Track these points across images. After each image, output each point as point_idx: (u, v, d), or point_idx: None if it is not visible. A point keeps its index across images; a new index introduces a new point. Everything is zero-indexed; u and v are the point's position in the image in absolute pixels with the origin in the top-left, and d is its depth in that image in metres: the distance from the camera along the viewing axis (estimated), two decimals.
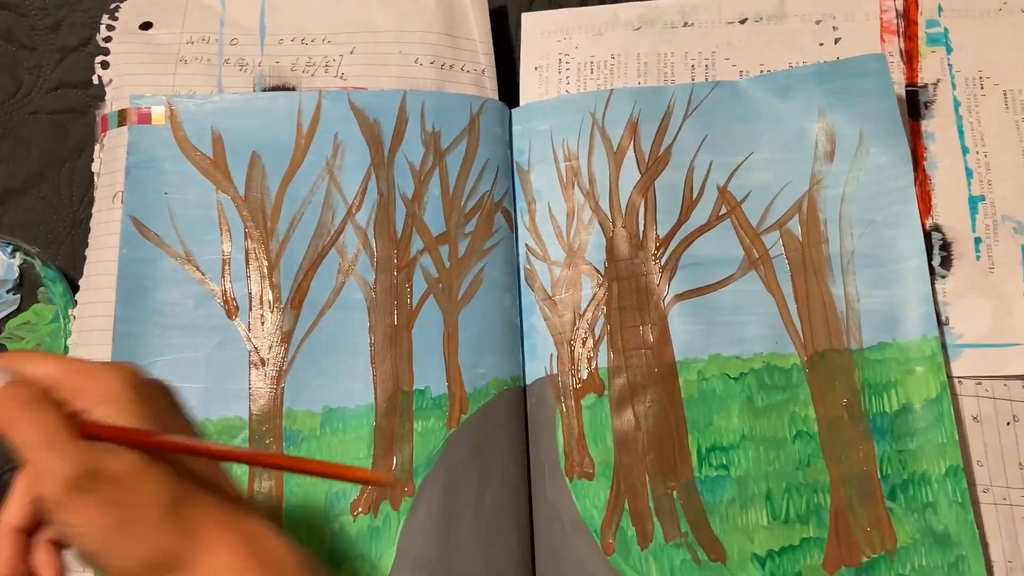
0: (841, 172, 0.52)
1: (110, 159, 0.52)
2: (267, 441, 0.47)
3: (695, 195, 0.53)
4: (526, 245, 0.53)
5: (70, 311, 0.50)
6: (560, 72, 0.57)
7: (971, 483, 0.46)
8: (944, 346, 0.48)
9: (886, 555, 0.46)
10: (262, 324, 0.49)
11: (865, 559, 0.46)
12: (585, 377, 0.50)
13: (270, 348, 0.49)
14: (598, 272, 0.52)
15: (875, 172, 0.52)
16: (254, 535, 0.33)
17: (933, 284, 0.50)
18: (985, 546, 0.45)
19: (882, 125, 0.52)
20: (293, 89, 0.55)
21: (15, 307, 0.52)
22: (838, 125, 0.53)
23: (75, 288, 0.51)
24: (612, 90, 0.54)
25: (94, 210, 0.52)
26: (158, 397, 0.34)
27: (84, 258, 0.51)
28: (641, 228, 0.52)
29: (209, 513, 0.32)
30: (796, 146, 0.53)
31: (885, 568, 0.46)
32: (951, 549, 0.45)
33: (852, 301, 0.50)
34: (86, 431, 0.31)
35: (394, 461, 0.47)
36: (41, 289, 0.52)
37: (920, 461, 0.47)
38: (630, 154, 0.54)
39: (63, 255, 0.54)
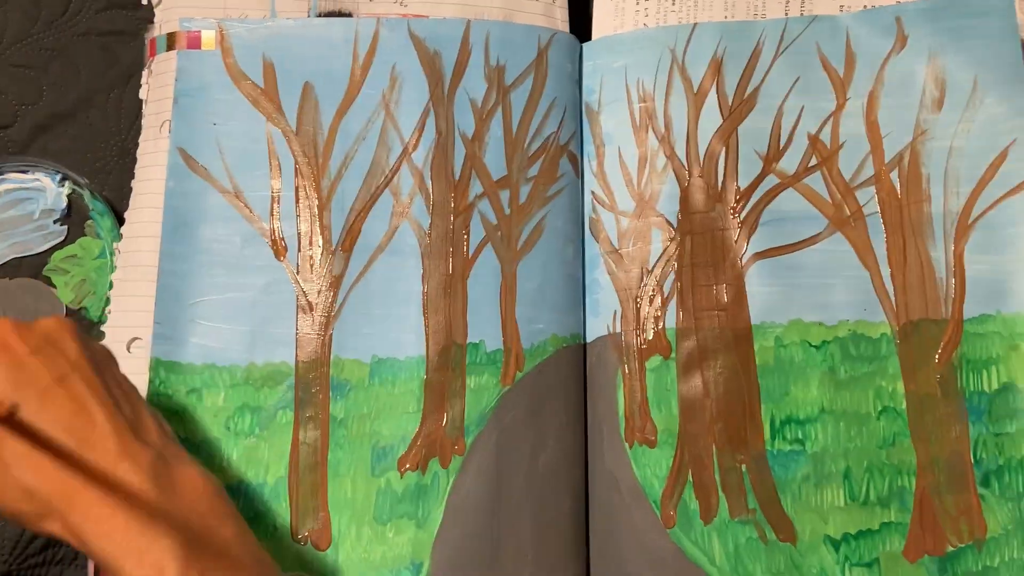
0: (950, 123, 0.47)
1: (158, 86, 0.49)
2: (313, 390, 0.45)
3: (782, 143, 0.48)
4: (592, 192, 0.49)
5: (116, 246, 0.48)
6: (638, 3, 0.52)
7: None
8: None
9: (974, 545, 0.42)
10: (311, 267, 0.47)
11: (950, 548, 0.42)
12: (651, 337, 0.46)
13: (319, 292, 0.46)
14: (670, 225, 0.48)
15: (989, 125, 0.46)
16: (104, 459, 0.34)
17: None
18: None
19: (1001, 72, 0.46)
20: (350, 15, 0.51)
21: (62, 238, 0.51)
22: (950, 70, 0.47)
23: (122, 222, 0.49)
24: (695, 24, 0.49)
25: (141, 139, 0.49)
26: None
27: (131, 189, 0.49)
28: (720, 178, 0.48)
29: (60, 451, 0.33)
30: (900, 92, 0.48)
31: (972, 559, 0.42)
32: None
33: (953, 267, 0.45)
34: None
35: (444, 418, 0.45)
36: (89, 222, 0.51)
37: (1020, 446, 0.43)
38: (712, 96, 0.49)
39: (110, 185, 0.52)
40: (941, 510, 0.43)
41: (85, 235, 0.51)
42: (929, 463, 0.43)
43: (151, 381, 0.44)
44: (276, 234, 0.47)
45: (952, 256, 0.45)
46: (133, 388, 0.39)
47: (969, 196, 0.46)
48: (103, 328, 0.46)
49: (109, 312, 0.47)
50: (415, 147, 0.48)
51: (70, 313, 0.50)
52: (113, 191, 0.52)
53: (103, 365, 0.38)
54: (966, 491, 0.43)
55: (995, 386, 0.44)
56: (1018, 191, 0.45)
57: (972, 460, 0.43)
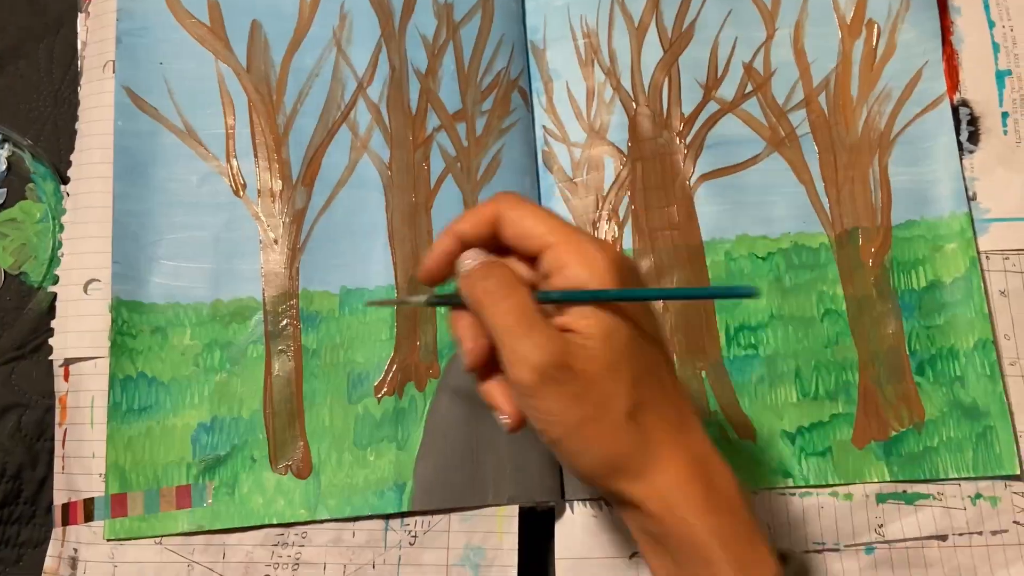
0: (870, 48, 0.51)
1: (97, 27, 0.48)
2: (283, 323, 0.45)
3: (720, 72, 0.51)
4: (543, 127, 0.51)
5: (63, 188, 0.46)
6: None
7: (998, 356, 0.46)
8: (972, 221, 0.48)
9: (914, 428, 0.46)
10: (272, 202, 0.46)
11: (894, 433, 0.46)
12: None
13: (282, 227, 0.46)
14: (621, 152, 0.50)
15: (904, 48, 0.50)
16: (702, 456, 0.31)
17: (961, 160, 0.49)
18: (1012, 416, 0.46)
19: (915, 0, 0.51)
20: None
21: (1, 201, 0.48)
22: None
23: (64, 180, 0.47)
24: None
25: (83, 81, 0.48)
26: (635, 283, 0.32)
27: (70, 137, 0.47)
28: (665, 107, 0.50)
29: (664, 426, 0.31)
30: (823, 21, 0.51)
31: (914, 441, 0.46)
32: (979, 420, 0.45)
33: (880, 179, 0.49)
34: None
35: (418, 343, 0.45)
36: (30, 185, 0.48)
37: (948, 336, 0.47)
38: (652, 30, 0.51)
39: (45, 135, 0.50)
40: (883, 399, 0.46)
41: (26, 198, 0.49)
42: (869, 358, 0.47)
43: (113, 321, 0.43)
44: (233, 170, 0.46)
45: (878, 169, 0.49)
46: None
47: (889, 114, 0.50)
48: (56, 272, 0.45)
49: (58, 272, 0.45)
50: (370, 82, 0.48)
51: (9, 278, 0.47)
52: (48, 140, 0.50)
53: None
54: (904, 380, 0.46)
55: (923, 284, 0.48)
56: (932, 107, 0.50)
57: (908, 352, 0.47)
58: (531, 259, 0.33)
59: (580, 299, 0.31)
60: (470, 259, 0.33)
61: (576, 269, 0.30)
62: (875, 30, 0.51)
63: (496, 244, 0.33)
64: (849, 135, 0.50)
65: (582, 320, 0.30)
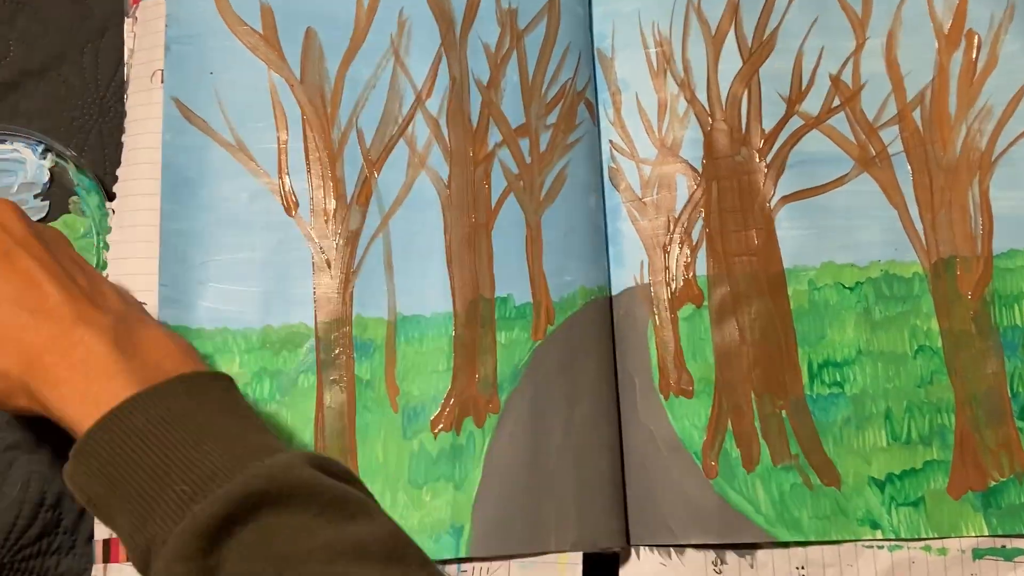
0: (969, 60, 0.47)
1: (145, 33, 0.46)
2: (336, 351, 0.42)
3: (804, 85, 0.47)
4: (611, 141, 0.47)
5: (108, 205, 0.44)
6: None
7: None
8: None
9: (1015, 478, 0.42)
10: (326, 222, 0.44)
11: (993, 483, 0.42)
12: (682, 286, 0.45)
13: (335, 249, 0.43)
14: (695, 171, 0.46)
15: (1007, 61, 0.46)
16: (57, 326, 0.34)
17: None
18: None
19: (1018, 7, 0.46)
20: None
21: (43, 215, 0.46)
22: (968, 7, 0.47)
23: (110, 196, 0.45)
24: None
25: (130, 91, 0.45)
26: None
27: (116, 148, 0.45)
28: (744, 122, 0.47)
29: (10, 326, 0.33)
30: (919, 30, 0.47)
31: (1015, 492, 0.42)
32: None
33: (980, 204, 0.45)
34: None
35: (477, 375, 0.42)
36: (74, 198, 0.46)
37: None
38: (731, 38, 0.48)
39: (90, 145, 0.48)
40: (982, 445, 0.42)
41: (69, 212, 0.46)
42: (967, 399, 0.43)
43: None
44: (285, 188, 0.44)
45: (978, 193, 0.45)
46: (89, 264, 0.38)
47: (991, 133, 0.46)
48: None
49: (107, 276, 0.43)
50: (429, 94, 0.46)
51: None
52: (93, 151, 0.48)
53: (54, 244, 0.37)
54: (1005, 425, 0.43)
55: None
56: None
57: (1010, 394, 0.43)
58: None
59: None
60: None
61: None
62: (975, 41, 0.47)
63: None
64: (946, 155, 0.46)
65: None
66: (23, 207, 0.46)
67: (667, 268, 0.45)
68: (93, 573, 0.41)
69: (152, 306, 0.42)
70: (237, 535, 0.28)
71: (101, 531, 0.41)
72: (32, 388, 0.33)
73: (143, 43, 0.45)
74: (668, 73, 0.48)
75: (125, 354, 0.33)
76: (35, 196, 0.46)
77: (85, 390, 0.32)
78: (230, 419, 0.32)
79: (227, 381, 0.34)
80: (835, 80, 0.47)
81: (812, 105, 0.47)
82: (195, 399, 0.32)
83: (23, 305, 0.34)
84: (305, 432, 0.41)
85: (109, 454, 0.30)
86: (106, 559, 0.40)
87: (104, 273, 0.43)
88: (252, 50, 0.45)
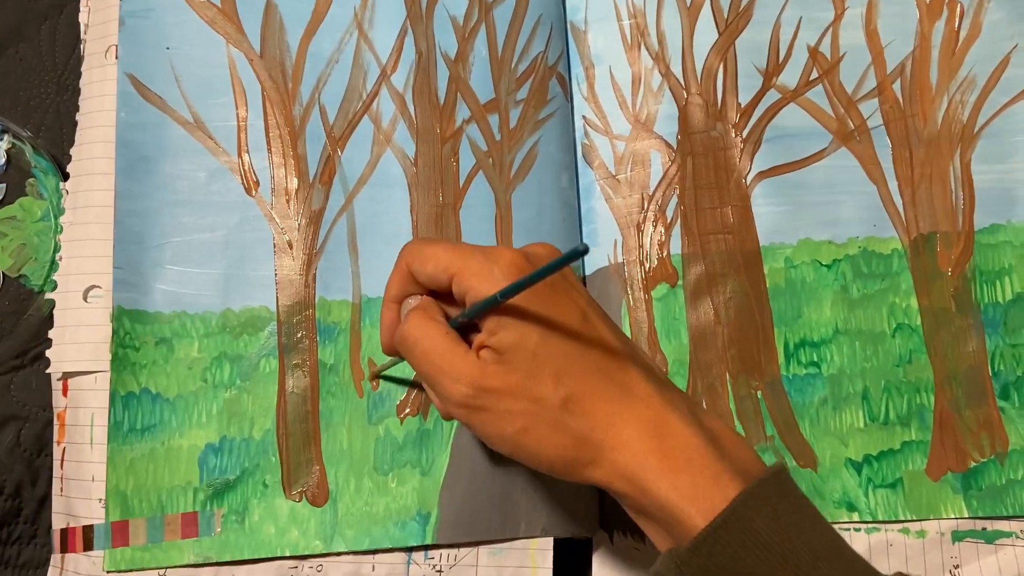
0: (951, 30, 0.45)
1: (100, 7, 0.44)
2: (299, 335, 0.41)
3: (782, 57, 0.46)
4: (584, 117, 0.46)
5: (63, 185, 0.43)
6: None
7: None
8: None
9: (996, 459, 0.41)
10: (287, 202, 0.42)
11: (973, 464, 0.41)
12: (656, 265, 0.44)
13: (297, 229, 0.42)
14: (669, 147, 0.45)
15: (990, 31, 0.45)
16: (652, 420, 0.31)
17: None
18: None
19: None
20: None
21: (0, 197, 0.45)
22: None
23: (66, 175, 0.43)
24: None
25: (84, 67, 0.44)
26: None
27: (73, 128, 0.44)
28: (720, 95, 0.45)
29: (605, 406, 0.31)
30: None
31: (995, 473, 0.41)
32: None
33: (961, 178, 0.44)
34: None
35: None
36: (31, 180, 0.45)
37: None
38: (706, 9, 0.46)
39: (48, 125, 0.46)
40: (961, 425, 0.42)
41: (26, 195, 0.45)
42: (947, 378, 0.42)
43: (115, 332, 0.40)
44: (245, 167, 0.43)
45: (960, 166, 0.44)
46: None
47: (973, 105, 0.45)
48: (55, 277, 0.42)
49: (56, 278, 0.41)
50: (394, 69, 0.44)
51: (8, 281, 0.44)
52: (51, 131, 0.46)
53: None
54: (986, 405, 0.42)
55: (1009, 296, 0.43)
56: (1021, 98, 0.44)
57: (991, 373, 0.42)
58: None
59: (473, 314, 0.31)
60: (408, 307, 0.34)
61: (477, 288, 0.31)
62: (957, 10, 0.46)
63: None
64: (927, 128, 0.45)
65: (492, 336, 0.31)
66: None
67: (641, 247, 0.44)
68: (52, 561, 0.40)
69: (106, 290, 0.40)
70: None
71: (58, 521, 0.40)
72: (619, 460, 0.30)
73: (97, 17, 0.44)
74: (642, 46, 0.46)
75: (714, 441, 0.31)
76: None
77: (693, 482, 0.29)
78: (826, 529, 0.30)
79: (787, 472, 0.31)
80: (813, 52, 0.46)
81: (789, 78, 0.45)
82: (786, 500, 0.30)
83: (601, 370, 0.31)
84: (267, 418, 0.40)
85: (726, 559, 0.28)
86: (63, 549, 0.39)
87: (57, 256, 0.42)
88: (210, 24, 0.44)
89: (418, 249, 0.33)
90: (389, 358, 0.39)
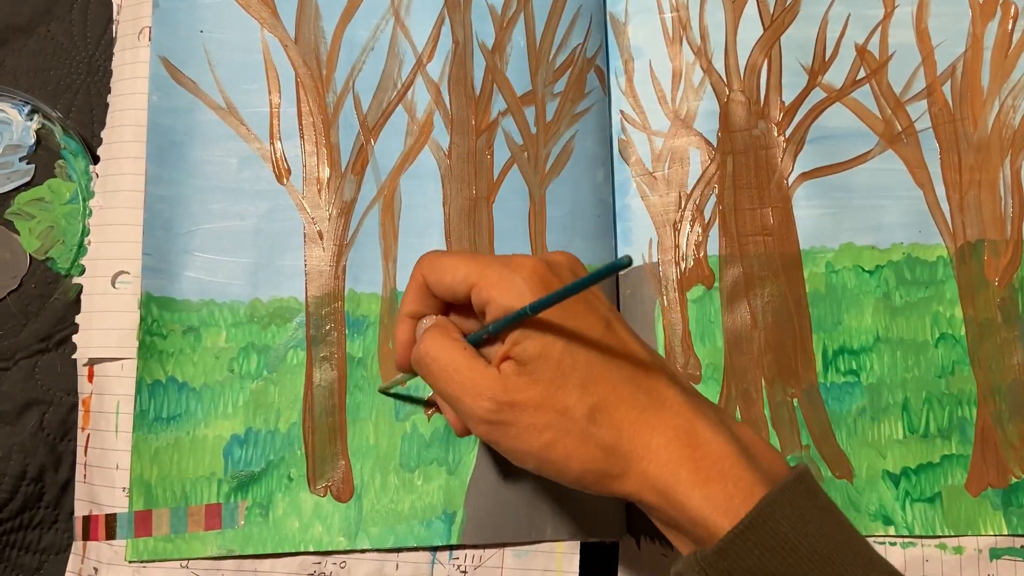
0: (1004, 31, 0.44)
1: None
2: (327, 327, 0.40)
3: (828, 55, 0.44)
4: (621, 112, 0.45)
5: (92, 168, 0.42)
6: None
7: None
8: None
9: None
10: (318, 191, 0.42)
11: (1014, 480, 0.40)
12: (692, 266, 0.43)
13: (328, 220, 0.41)
14: (709, 144, 0.44)
15: None
16: (682, 428, 0.30)
17: None
18: None
19: None
20: None
21: (28, 179, 0.44)
22: None
23: (95, 158, 0.43)
24: None
25: (116, 49, 0.43)
26: (564, 278, 0.32)
27: (104, 109, 0.43)
28: (763, 93, 0.44)
29: (634, 415, 0.30)
30: None
31: None
32: None
33: (1011, 185, 0.42)
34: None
35: None
36: (60, 162, 0.44)
37: None
38: (751, 3, 0.45)
39: (78, 105, 0.46)
40: (1004, 440, 0.40)
41: (55, 176, 0.45)
42: (990, 391, 0.41)
43: (143, 319, 0.39)
44: (277, 155, 0.42)
45: (1009, 173, 0.43)
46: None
47: None
48: (82, 262, 0.41)
49: (84, 262, 0.41)
50: (430, 58, 0.43)
51: (35, 263, 0.44)
52: (81, 112, 0.46)
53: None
54: None
55: None
56: None
57: None
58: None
59: (499, 329, 0.30)
60: (423, 327, 0.33)
61: (499, 299, 0.30)
62: (1011, 11, 0.44)
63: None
64: (977, 132, 0.43)
65: (515, 347, 0.30)
66: (7, 170, 0.45)
67: (677, 246, 0.43)
68: (73, 549, 0.39)
69: (135, 276, 0.40)
70: None
71: (81, 508, 0.39)
72: (650, 472, 0.29)
73: None
74: (684, 40, 0.45)
75: (746, 451, 0.30)
76: (20, 159, 0.44)
77: (727, 493, 0.29)
78: (852, 533, 0.29)
79: (810, 473, 0.30)
80: (861, 50, 0.44)
81: (835, 77, 0.44)
82: (812, 502, 0.29)
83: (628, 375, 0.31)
84: (293, 410, 0.39)
85: (752, 562, 0.27)
86: (85, 536, 0.39)
87: (86, 240, 0.41)
88: (244, 7, 0.43)
89: (434, 260, 0.33)
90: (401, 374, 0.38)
